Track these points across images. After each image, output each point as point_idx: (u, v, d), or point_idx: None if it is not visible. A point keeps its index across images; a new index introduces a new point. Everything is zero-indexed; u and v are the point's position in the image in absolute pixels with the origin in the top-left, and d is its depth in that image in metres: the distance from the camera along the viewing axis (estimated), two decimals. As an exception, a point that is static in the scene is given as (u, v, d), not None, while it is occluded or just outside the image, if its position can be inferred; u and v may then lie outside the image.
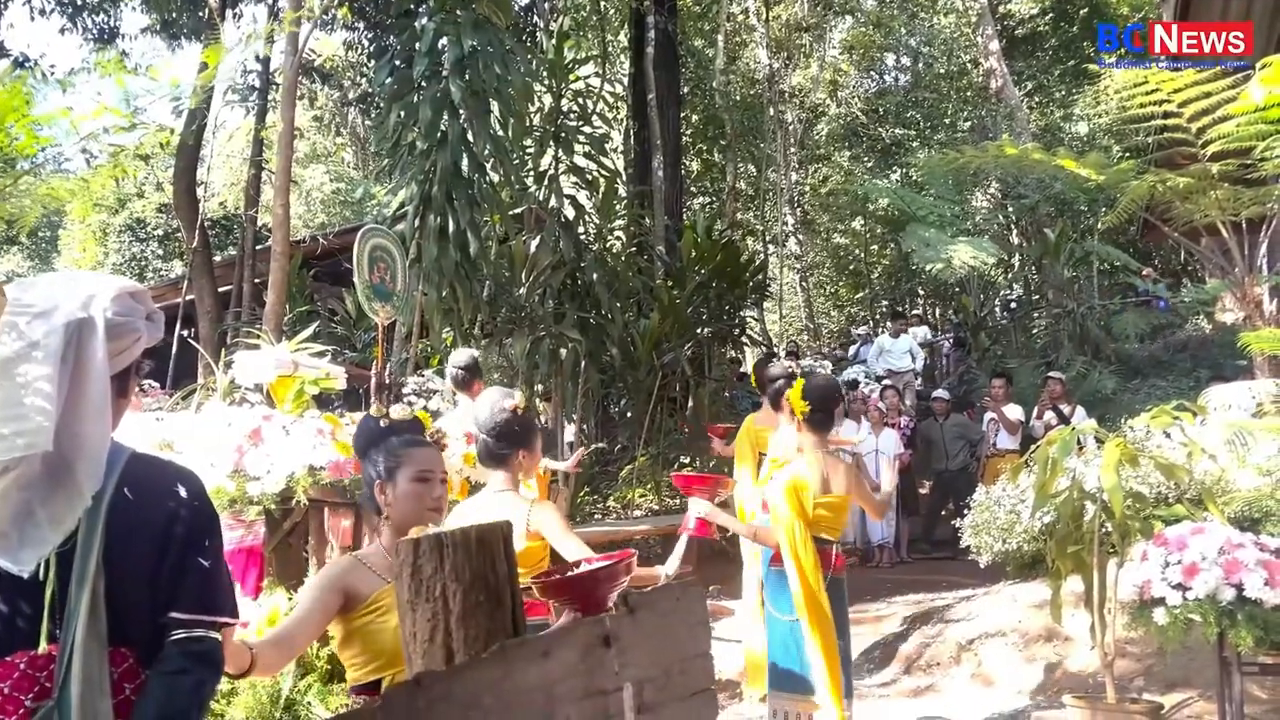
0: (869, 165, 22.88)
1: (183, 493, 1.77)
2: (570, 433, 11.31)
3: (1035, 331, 14.47)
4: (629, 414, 12.36)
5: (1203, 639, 3.91)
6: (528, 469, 3.55)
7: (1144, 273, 14.46)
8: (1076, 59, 20.44)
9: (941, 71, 22.84)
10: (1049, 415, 8.97)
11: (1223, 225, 6.53)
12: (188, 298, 12.62)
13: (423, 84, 8.98)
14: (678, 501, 9.08)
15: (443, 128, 8.83)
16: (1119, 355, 12.25)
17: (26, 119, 5.31)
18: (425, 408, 7.17)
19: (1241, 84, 5.77)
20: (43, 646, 1.63)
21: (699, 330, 12.60)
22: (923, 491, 11.11)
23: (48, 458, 1.60)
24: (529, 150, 11.07)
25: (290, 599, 4.44)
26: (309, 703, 4.06)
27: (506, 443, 3.41)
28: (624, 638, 1.21)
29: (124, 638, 1.68)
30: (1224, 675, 4.00)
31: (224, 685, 4.06)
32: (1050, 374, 9.83)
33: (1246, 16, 7.73)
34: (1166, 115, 6.29)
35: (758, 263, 15.84)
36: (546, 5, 15.10)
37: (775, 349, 17.48)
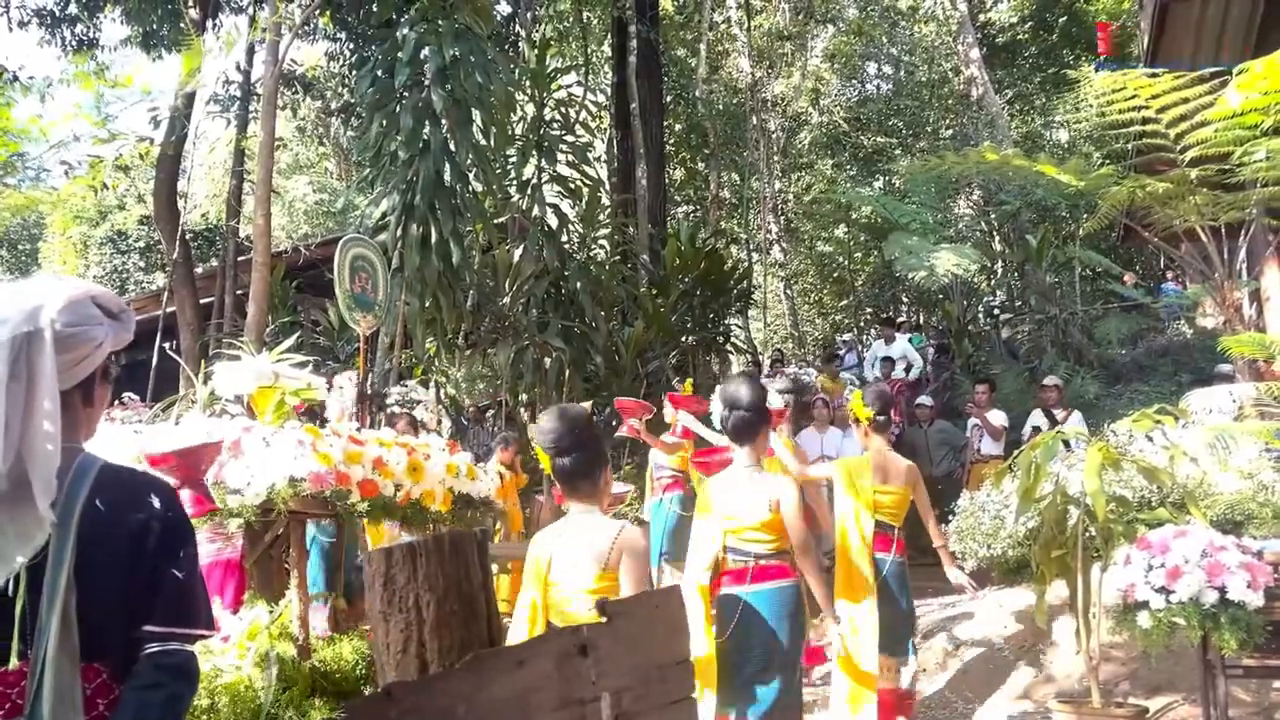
0: (851, 173, 22.95)
1: (155, 503, 1.73)
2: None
3: (1019, 337, 14.51)
4: (614, 422, 12.33)
5: (1186, 642, 3.92)
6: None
7: (1125, 278, 14.54)
8: (1056, 66, 20.58)
9: (923, 79, 22.97)
10: (1041, 420, 8.93)
11: (1202, 230, 6.56)
12: (169, 309, 12.53)
13: (404, 93, 8.98)
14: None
15: (425, 137, 8.82)
16: (1101, 360, 12.30)
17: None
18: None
19: (1218, 89, 5.80)
20: (13, 663, 1.60)
21: (683, 338, 12.60)
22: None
23: (11, 474, 1.57)
24: (511, 159, 11.07)
25: (271, 611, 4.39)
26: (290, 717, 4.02)
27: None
28: (601, 646, 1.19)
29: (97, 652, 1.65)
30: (1208, 678, 4.01)
31: (202, 699, 4.01)
32: (1046, 380, 9.77)
33: (1223, 25, 7.81)
34: (1145, 121, 6.31)
35: (741, 271, 15.86)
36: (529, 15, 15.10)
37: (760, 356, 17.49)
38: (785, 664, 3.75)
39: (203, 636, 1.78)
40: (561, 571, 3.05)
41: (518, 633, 3.10)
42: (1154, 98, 6.14)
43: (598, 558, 3.00)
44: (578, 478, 3.13)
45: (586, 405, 3.54)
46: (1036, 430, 8.29)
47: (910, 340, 15.32)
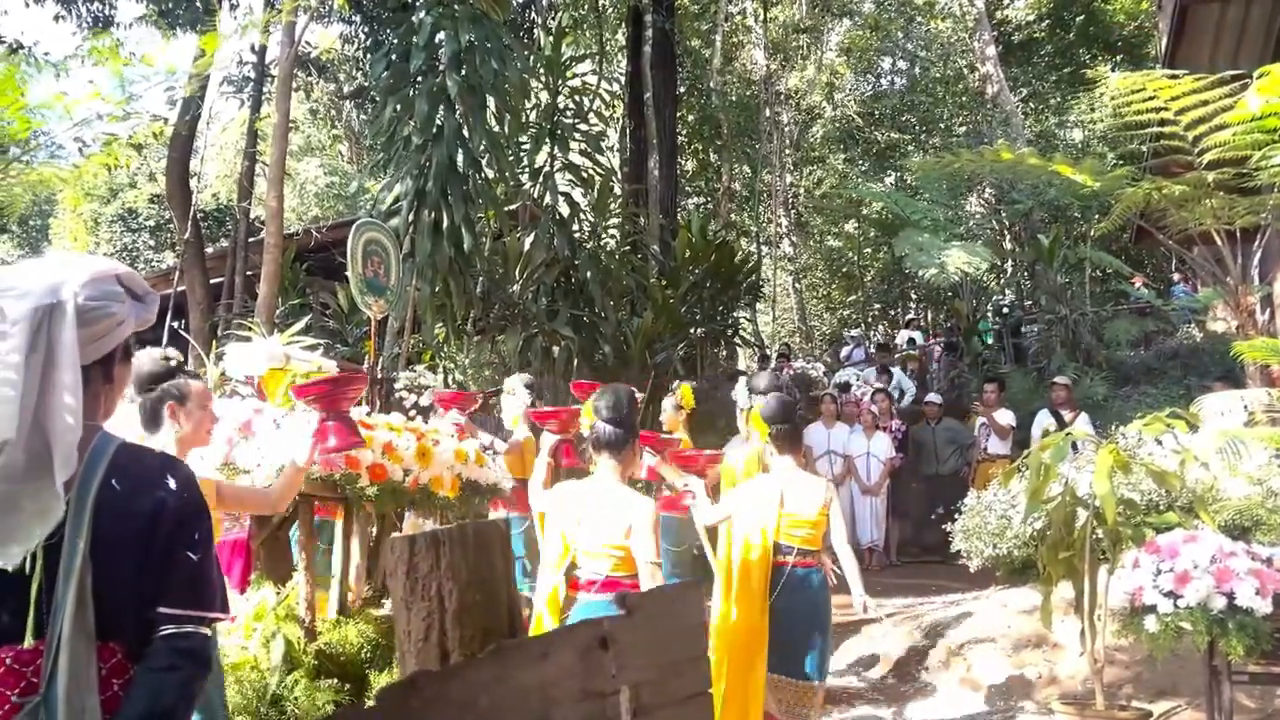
0: (863, 168, 22.91)
1: (171, 483, 1.73)
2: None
3: (1028, 337, 14.48)
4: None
5: (1192, 647, 3.91)
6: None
7: (1133, 279, 14.50)
8: (1072, 65, 20.51)
9: (937, 76, 22.89)
10: (1049, 421, 8.90)
11: (1217, 234, 6.52)
12: (179, 289, 12.53)
13: (419, 78, 8.96)
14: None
15: (438, 122, 8.80)
16: (1110, 362, 12.26)
17: (19, 104, 5.27)
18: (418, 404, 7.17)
19: (1238, 92, 5.77)
20: (29, 641, 1.60)
21: (692, 330, 12.58)
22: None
23: (29, 449, 1.57)
24: (524, 147, 11.05)
25: (278, 592, 4.41)
26: (296, 698, 4.03)
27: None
28: (621, 640, 1.19)
29: (112, 632, 1.65)
30: (1213, 683, 4.00)
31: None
32: (1056, 379, 9.74)
33: (1242, 27, 7.77)
34: (1163, 123, 6.28)
35: (751, 263, 15.83)
36: (544, 1, 15.07)
37: (767, 349, 17.48)
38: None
39: (217, 619, 1.78)
40: (793, 504, 4.34)
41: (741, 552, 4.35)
42: (1173, 99, 6.10)
43: (818, 498, 4.37)
44: (791, 442, 4.49)
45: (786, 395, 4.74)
46: (1047, 433, 8.28)
47: (910, 341, 15.32)
